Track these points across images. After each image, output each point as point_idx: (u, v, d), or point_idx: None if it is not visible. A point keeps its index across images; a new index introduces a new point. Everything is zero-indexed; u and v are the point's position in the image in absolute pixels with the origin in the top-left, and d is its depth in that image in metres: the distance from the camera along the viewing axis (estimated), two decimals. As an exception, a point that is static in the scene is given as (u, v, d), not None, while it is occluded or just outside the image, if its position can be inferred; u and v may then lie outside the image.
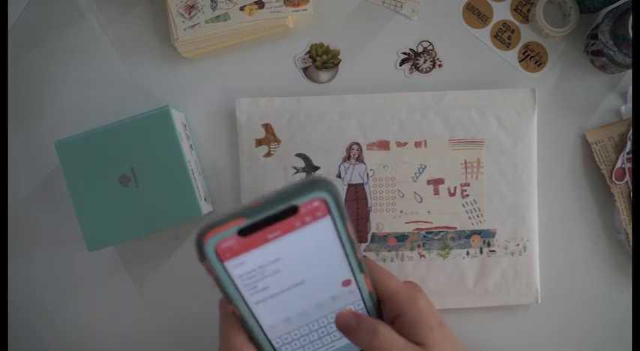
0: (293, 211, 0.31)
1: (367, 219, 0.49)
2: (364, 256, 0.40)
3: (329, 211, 0.32)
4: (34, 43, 0.52)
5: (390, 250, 0.49)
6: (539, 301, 0.49)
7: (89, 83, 0.51)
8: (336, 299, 0.36)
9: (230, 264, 0.32)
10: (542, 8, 0.48)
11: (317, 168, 0.49)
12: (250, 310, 0.34)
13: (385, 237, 0.49)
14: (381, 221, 0.49)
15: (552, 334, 0.50)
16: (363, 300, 0.36)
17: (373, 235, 0.49)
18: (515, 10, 0.51)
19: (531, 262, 0.49)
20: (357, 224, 0.49)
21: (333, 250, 0.33)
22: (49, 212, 0.51)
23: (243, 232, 0.31)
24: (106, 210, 0.45)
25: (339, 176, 0.49)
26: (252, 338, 0.35)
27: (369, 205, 0.49)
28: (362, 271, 0.35)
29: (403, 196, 0.49)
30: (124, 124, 0.45)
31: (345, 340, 0.37)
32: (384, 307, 0.37)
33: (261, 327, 0.35)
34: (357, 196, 0.49)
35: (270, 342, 0.36)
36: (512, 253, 0.48)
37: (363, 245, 0.49)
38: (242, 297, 0.33)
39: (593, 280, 0.50)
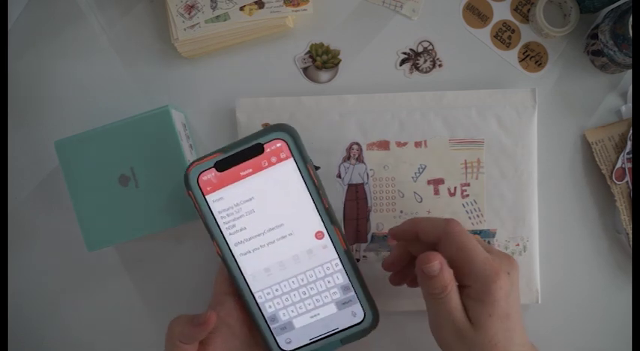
0: (260, 150, 0.37)
1: (367, 219, 0.49)
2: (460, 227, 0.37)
3: (291, 154, 0.37)
4: (34, 43, 0.52)
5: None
6: (539, 301, 0.49)
7: (89, 83, 0.51)
8: (312, 254, 0.39)
9: (211, 198, 0.38)
10: (542, 8, 0.48)
11: (317, 168, 0.49)
12: (231, 251, 0.39)
13: (385, 237, 0.49)
14: (381, 221, 0.49)
15: (552, 334, 0.50)
16: (340, 259, 0.39)
17: (373, 235, 0.49)
18: (516, 10, 0.51)
19: (531, 262, 0.49)
20: (357, 224, 0.49)
21: (300, 195, 0.38)
22: (49, 212, 0.51)
23: (220, 166, 0.38)
24: (106, 210, 0.45)
25: (339, 176, 0.49)
26: (238, 292, 0.39)
27: (369, 205, 0.49)
28: (332, 222, 0.38)
29: (403, 196, 0.49)
30: (124, 124, 0.45)
31: (328, 311, 0.39)
32: (464, 269, 0.35)
33: (244, 276, 0.39)
34: (357, 196, 0.49)
35: (253, 296, 0.39)
36: (513, 253, 0.48)
37: (363, 245, 0.49)
38: (223, 235, 0.38)
39: (593, 280, 0.50)
